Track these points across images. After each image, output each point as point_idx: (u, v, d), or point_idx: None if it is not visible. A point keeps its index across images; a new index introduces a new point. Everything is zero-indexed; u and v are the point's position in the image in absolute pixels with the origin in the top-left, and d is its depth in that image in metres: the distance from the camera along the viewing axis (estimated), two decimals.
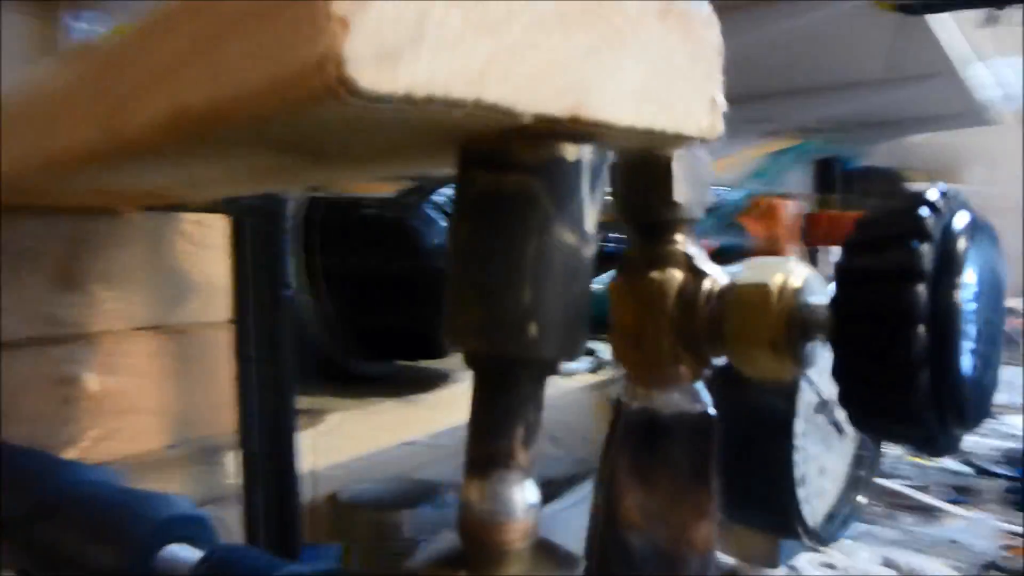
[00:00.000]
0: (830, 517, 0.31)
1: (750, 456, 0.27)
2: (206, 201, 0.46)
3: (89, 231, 0.44)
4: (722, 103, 0.23)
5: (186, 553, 0.27)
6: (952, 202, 0.22)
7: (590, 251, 0.21)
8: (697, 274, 0.26)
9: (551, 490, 1.25)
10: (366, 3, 0.14)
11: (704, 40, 0.23)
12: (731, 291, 0.25)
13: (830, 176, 1.81)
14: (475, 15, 0.16)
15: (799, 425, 0.27)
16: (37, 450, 0.36)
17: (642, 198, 0.26)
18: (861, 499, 0.32)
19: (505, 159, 0.20)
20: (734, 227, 1.04)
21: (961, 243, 0.21)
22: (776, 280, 0.24)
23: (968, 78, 1.55)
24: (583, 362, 0.73)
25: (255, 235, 0.45)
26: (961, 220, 0.21)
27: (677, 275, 0.26)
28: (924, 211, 0.21)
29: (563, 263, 0.20)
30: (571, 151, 0.20)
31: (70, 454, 0.42)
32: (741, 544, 0.42)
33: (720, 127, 0.23)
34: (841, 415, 0.33)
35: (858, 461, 0.32)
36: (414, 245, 0.58)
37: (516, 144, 0.20)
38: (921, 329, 0.20)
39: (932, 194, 0.22)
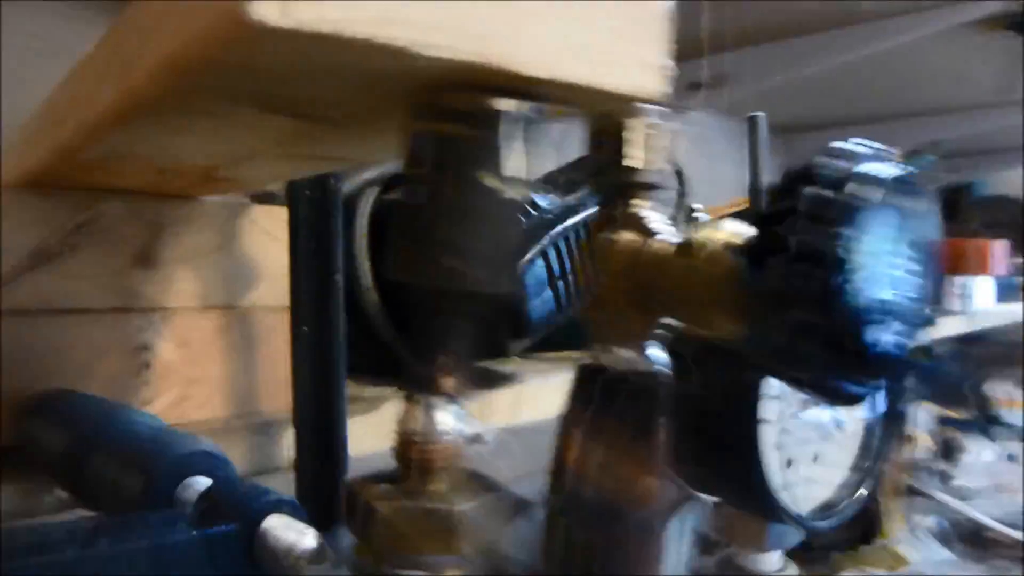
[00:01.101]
0: (826, 507, 0.31)
1: (720, 435, 0.27)
2: (264, 183, 0.50)
3: (167, 215, 0.49)
4: (667, 65, 0.24)
5: (202, 483, 0.31)
6: None
7: (515, 195, 0.23)
8: (648, 235, 0.27)
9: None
10: None
11: (649, 4, 0.24)
12: (679, 251, 0.26)
13: (959, 204, 1.73)
14: None
15: (777, 408, 0.27)
16: (90, 395, 0.40)
17: (602, 162, 0.27)
18: (863, 491, 0.31)
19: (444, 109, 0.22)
20: None
21: None
22: (717, 238, 0.25)
23: None
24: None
25: (308, 222, 0.48)
26: None
27: (628, 236, 0.27)
28: None
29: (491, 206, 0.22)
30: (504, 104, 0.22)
31: None
32: (731, 527, 0.42)
33: (661, 88, 0.24)
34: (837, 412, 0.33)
35: (864, 452, 0.32)
36: None
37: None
38: None
39: None
